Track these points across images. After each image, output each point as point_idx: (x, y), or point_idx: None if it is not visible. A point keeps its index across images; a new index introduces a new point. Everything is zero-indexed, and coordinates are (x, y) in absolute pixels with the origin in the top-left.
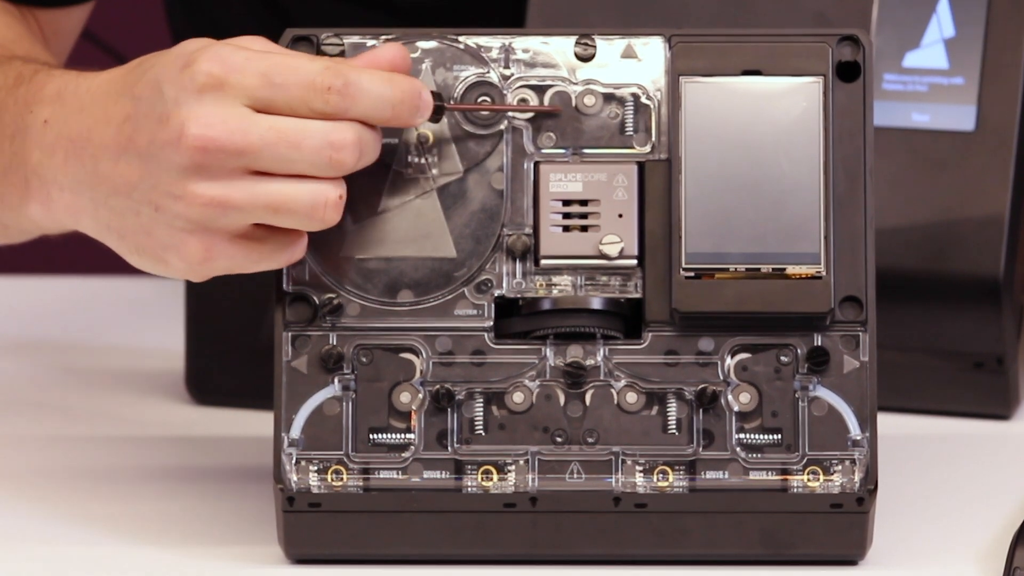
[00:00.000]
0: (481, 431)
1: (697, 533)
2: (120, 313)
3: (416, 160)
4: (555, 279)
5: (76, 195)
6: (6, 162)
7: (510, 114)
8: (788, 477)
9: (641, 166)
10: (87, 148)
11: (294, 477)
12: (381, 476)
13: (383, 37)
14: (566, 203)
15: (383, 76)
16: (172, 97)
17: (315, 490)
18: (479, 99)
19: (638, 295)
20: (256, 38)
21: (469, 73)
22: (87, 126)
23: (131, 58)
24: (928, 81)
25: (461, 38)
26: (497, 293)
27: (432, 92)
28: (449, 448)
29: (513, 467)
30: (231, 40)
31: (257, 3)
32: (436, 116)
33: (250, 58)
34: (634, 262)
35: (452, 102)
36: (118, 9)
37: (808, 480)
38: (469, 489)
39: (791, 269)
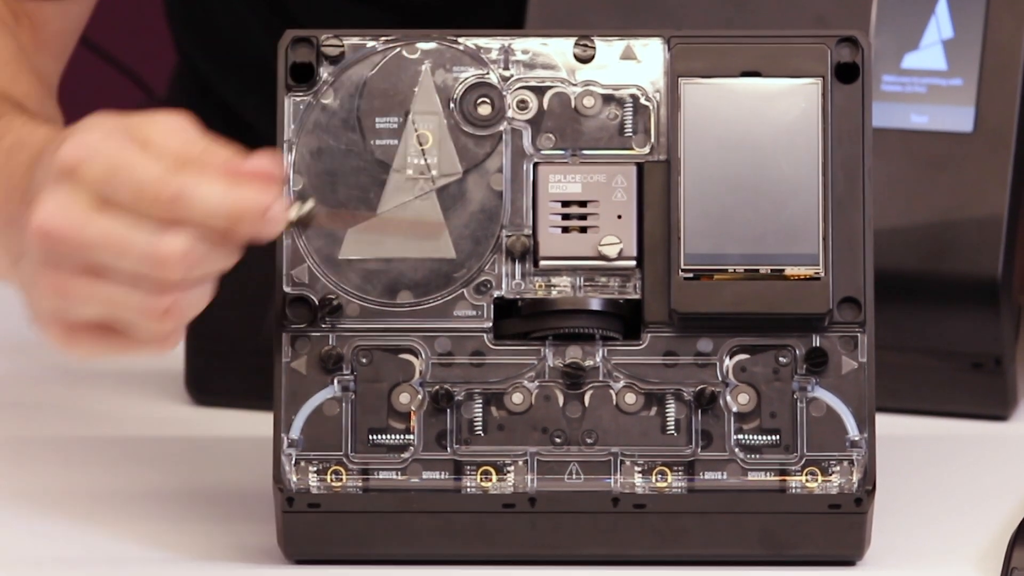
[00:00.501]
0: (480, 432)
1: (696, 533)
2: None
3: (415, 161)
4: (554, 280)
5: (3, 256)
6: None
7: (509, 115)
8: (786, 478)
9: (640, 167)
10: (6, 210)
11: (293, 478)
12: (380, 477)
13: (383, 38)
14: (565, 204)
15: (223, 188)
16: (39, 181)
17: (314, 491)
18: (478, 100)
19: (637, 296)
20: (174, 120)
21: (469, 74)
22: (12, 188)
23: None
24: (927, 82)
25: (461, 39)
26: (496, 294)
27: (303, 199)
28: (448, 449)
29: (512, 468)
30: (146, 121)
31: (259, 1)
32: (302, 227)
33: (102, 150)
34: (633, 263)
35: (321, 214)
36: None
37: (806, 481)
38: (468, 490)
39: (790, 270)
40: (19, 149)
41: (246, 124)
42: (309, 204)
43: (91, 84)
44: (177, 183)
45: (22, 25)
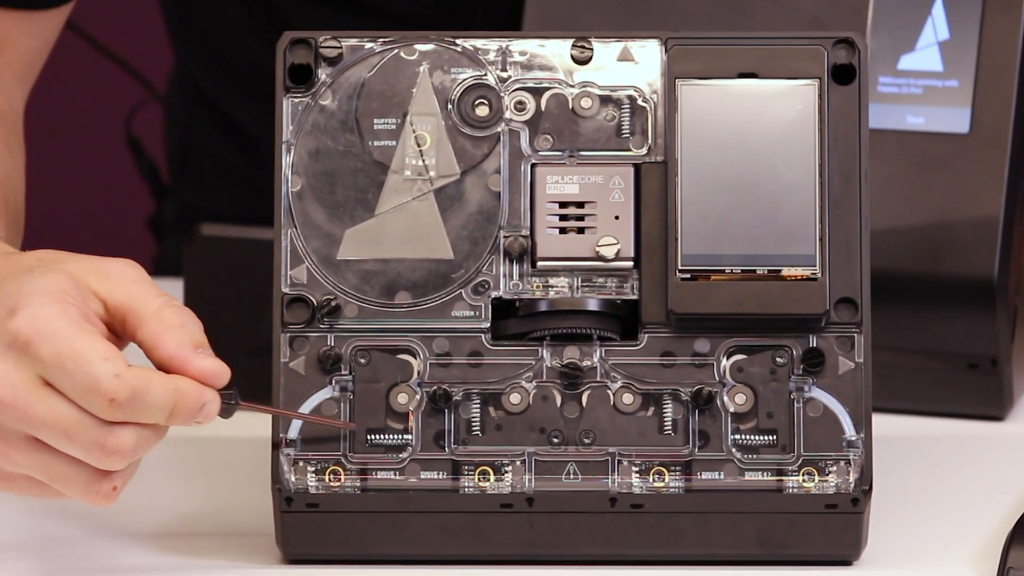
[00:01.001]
0: (478, 432)
1: (693, 533)
2: None
3: (413, 162)
4: (552, 281)
5: None
6: None
7: (507, 116)
8: (783, 478)
9: (637, 168)
10: None
11: (292, 478)
12: (378, 477)
13: (381, 40)
14: (563, 205)
15: (170, 385)
16: None
17: (313, 490)
18: (476, 102)
19: (634, 297)
20: (127, 267)
21: (466, 75)
22: None
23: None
24: (923, 84)
25: (458, 40)
26: (494, 294)
27: (225, 392)
28: (446, 449)
29: (510, 468)
30: (102, 269)
31: (254, 6)
32: (225, 414)
33: (56, 333)
34: (630, 264)
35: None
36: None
37: (803, 481)
38: (466, 489)
39: (787, 271)
40: None
41: (242, 129)
42: (234, 402)
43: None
44: (129, 388)
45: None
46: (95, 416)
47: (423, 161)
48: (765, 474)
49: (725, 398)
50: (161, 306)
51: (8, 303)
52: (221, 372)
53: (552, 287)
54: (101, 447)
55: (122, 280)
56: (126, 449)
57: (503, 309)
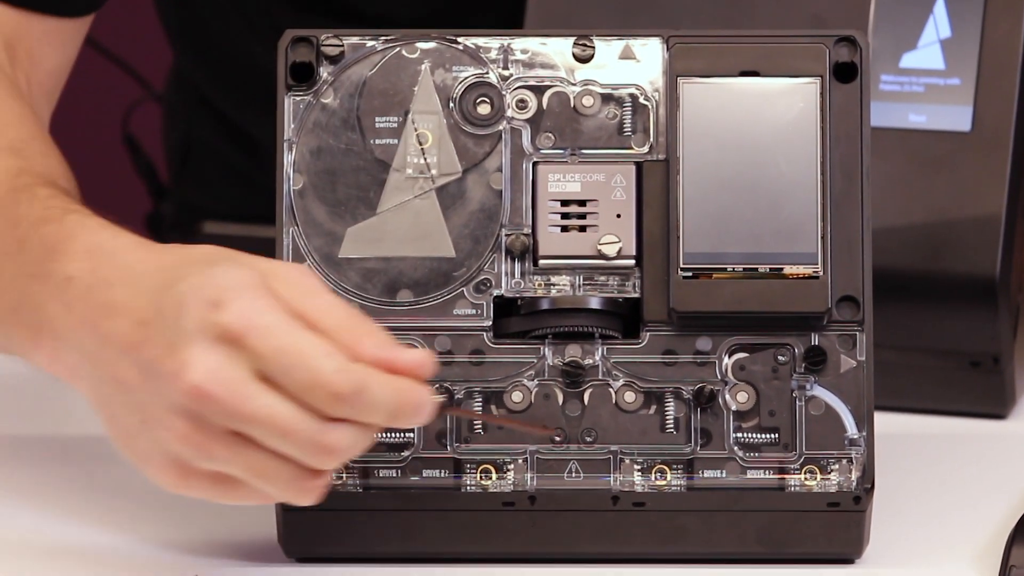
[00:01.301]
0: (480, 430)
1: (695, 531)
2: None
3: (415, 160)
4: (553, 279)
5: (80, 362)
6: (21, 299)
7: (508, 114)
8: (785, 476)
9: (639, 166)
10: (100, 327)
11: None
12: (380, 475)
13: (383, 38)
14: (564, 203)
15: (392, 384)
16: (187, 332)
17: None
18: (478, 100)
19: (636, 295)
20: (302, 274)
21: (468, 74)
22: (108, 305)
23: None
24: (925, 82)
25: (460, 39)
26: (496, 293)
27: (443, 391)
28: (448, 447)
29: (512, 466)
30: (279, 275)
31: (253, 15)
32: (437, 414)
33: (272, 327)
34: (632, 262)
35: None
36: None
37: (805, 479)
38: (468, 488)
39: (788, 269)
40: (40, 227)
41: (242, 128)
42: (442, 397)
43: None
44: (353, 383)
45: (19, 67)
46: (313, 413)
47: (425, 159)
48: (767, 472)
49: (727, 396)
50: (348, 314)
51: (206, 296)
52: (427, 358)
53: (554, 285)
54: (317, 445)
55: (304, 288)
56: (342, 448)
57: (505, 307)
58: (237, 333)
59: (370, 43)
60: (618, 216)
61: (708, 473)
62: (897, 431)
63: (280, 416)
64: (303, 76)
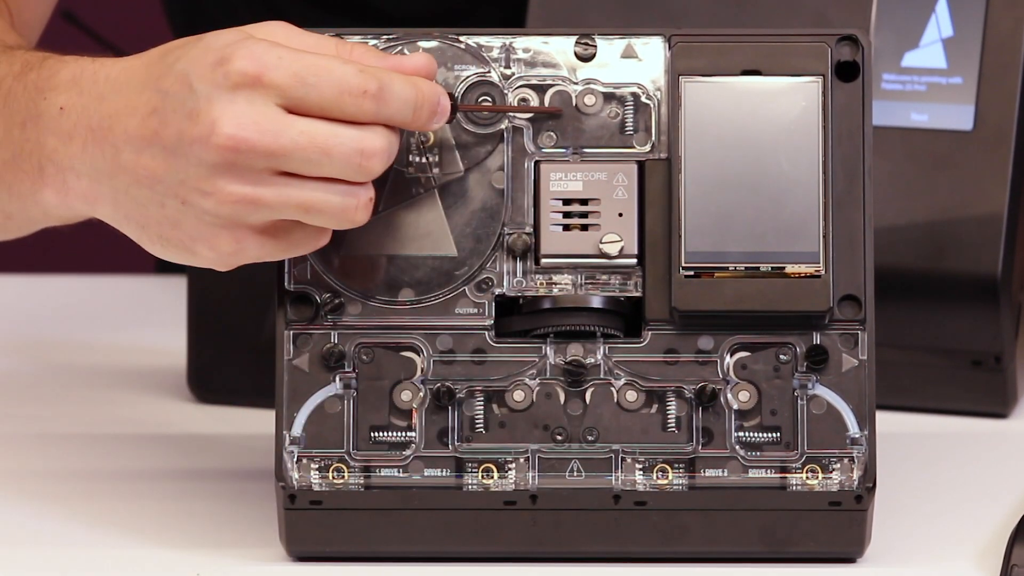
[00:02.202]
0: (482, 429)
1: (696, 531)
2: (121, 311)
3: (417, 159)
4: (555, 278)
5: (94, 183)
6: (16, 149)
7: (511, 114)
8: (787, 475)
9: (641, 165)
10: (108, 138)
11: (295, 475)
12: (382, 474)
13: (384, 37)
14: (566, 202)
15: (409, 80)
16: (204, 94)
17: (316, 488)
18: (480, 99)
19: (638, 294)
20: (280, 24)
21: (470, 72)
22: (108, 115)
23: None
24: (927, 81)
25: (462, 38)
26: (498, 292)
27: (448, 94)
28: (450, 446)
29: (513, 465)
30: (260, 30)
31: (259, 10)
32: (450, 117)
33: (283, 57)
34: (634, 261)
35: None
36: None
37: (807, 478)
38: (470, 487)
39: (790, 268)
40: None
41: None
42: (455, 102)
43: None
44: (377, 79)
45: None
46: (347, 123)
47: (427, 158)
48: (769, 471)
49: (729, 395)
50: (339, 42)
51: (208, 60)
52: (430, 58)
53: (556, 284)
54: (360, 152)
55: (288, 31)
56: (382, 149)
57: (507, 306)
58: (253, 75)
59: (372, 42)
60: (620, 215)
61: (710, 472)
62: (899, 430)
63: (317, 137)
64: None
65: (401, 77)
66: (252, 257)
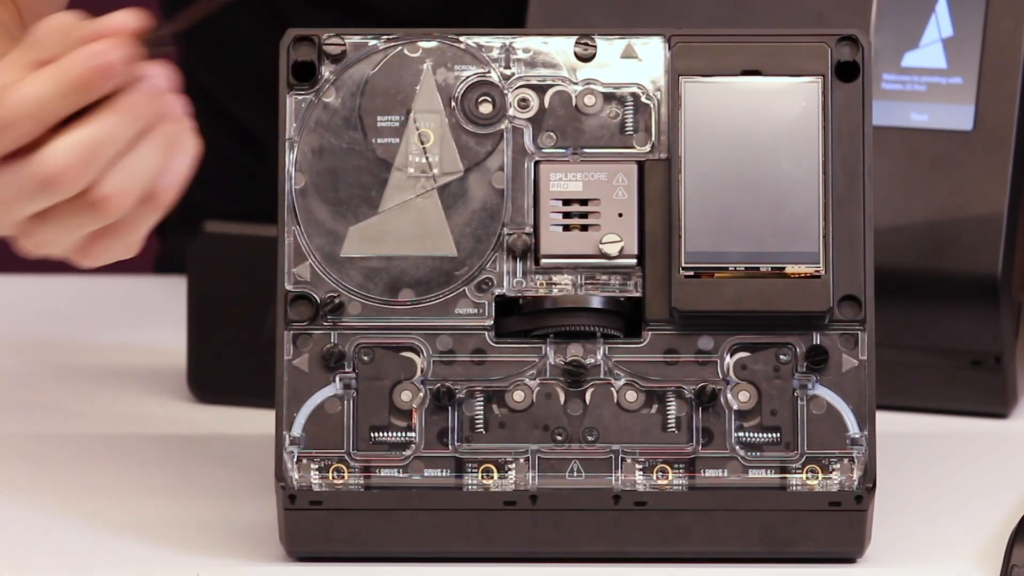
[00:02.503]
0: (481, 429)
1: (696, 531)
2: (121, 311)
3: (417, 159)
4: (555, 278)
5: None
6: None
7: (510, 113)
8: (787, 475)
9: (641, 165)
10: None
11: (295, 475)
12: (382, 474)
13: (384, 37)
14: (566, 202)
15: (46, 74)
16: None
17: (316, 488)
18: (480, 99)
19: (638, 294)
20: (56, 20)
21: (470, 73)
22: None
23: None
24: (927, 81)
25: (462, 38)
26: (497, 292)
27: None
28: (450, 446)
29: (513, 465)
30: (30, 43)
31: (259, 9)
32: (157, 50)
33: None
34: (634, 261)
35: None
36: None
37: (807, 478)
38: (469, 487)
39: (790, 268)
40: None
41: (245, 127)
42: (160, 36)
43: None
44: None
45: (6, 8)
46: (17, 160)
47: (426, 158)
48: (769, 472)
49: (729, 396)
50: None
51: None
52: (129, 20)
53: (555, 284)
54: (37, 177)
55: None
56: (63, 163)
57: (506, 307)
58: None
59: (372, 42)
60: (620, 215)
61: (710, 472)
62: (899, 430)
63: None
64: (305, 75)
65: (34, 81)
66: (59, 253)
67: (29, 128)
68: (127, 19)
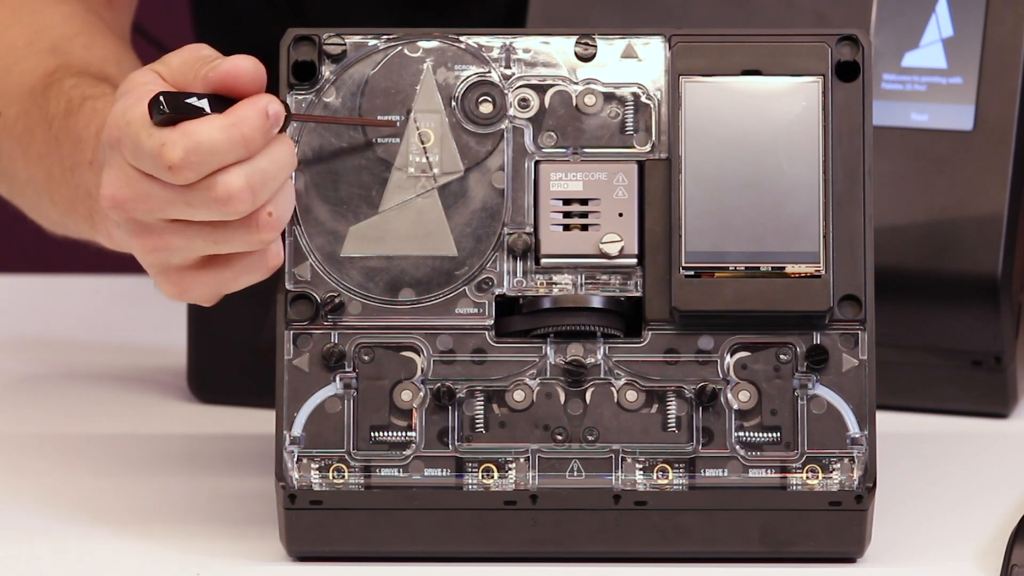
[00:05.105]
0: (482, 429)
1: (696, 531)
2: (122, 311)
3: (417, 159)
4: (555, 278)
5: (120, 235)
6: (70, 194)
7: (510, 113)
8: (787, 475)
9: (641, 165)
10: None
11: (296, 475)
12: (382, 474)
13: (385, 37)
14: (566, 202)
15: (221, 123)
16: (100, 154)
17: (316, 488)
18: (480, 99)
19: (638, 294)
20: (195, 48)
21: (470, 72)
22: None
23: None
24: (927, 81)
25: (462, 38)
26: (498, 292)
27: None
28: (450, 446)
29: (514, 465)
30: (165, 59)
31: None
32: (284, 123)
33: (119, 122)
34: (634, 261)
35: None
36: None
37: (807, 478)
38: (470, 487)
39: (790, 268)
40: (78, 114)
41: None
42: (286, 111)
43: None
44: (180, 144)
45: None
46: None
47: (427, 158)
48: (769, 471)
49: (729, 395)
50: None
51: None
52: (250, 65)
53: (556, 284)
54: (215, 199)
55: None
56: (236, 189)
57: (507, 306)
58: (114, 139)
59: (372, 42)
60: (620, 215)
61: (710, 472)
62: (899, 430)
63: (175, 192)
64: (305, 75)
65: (211, 126)
66: (205, 295)
67: (202, 171)
68: (256, 66)
